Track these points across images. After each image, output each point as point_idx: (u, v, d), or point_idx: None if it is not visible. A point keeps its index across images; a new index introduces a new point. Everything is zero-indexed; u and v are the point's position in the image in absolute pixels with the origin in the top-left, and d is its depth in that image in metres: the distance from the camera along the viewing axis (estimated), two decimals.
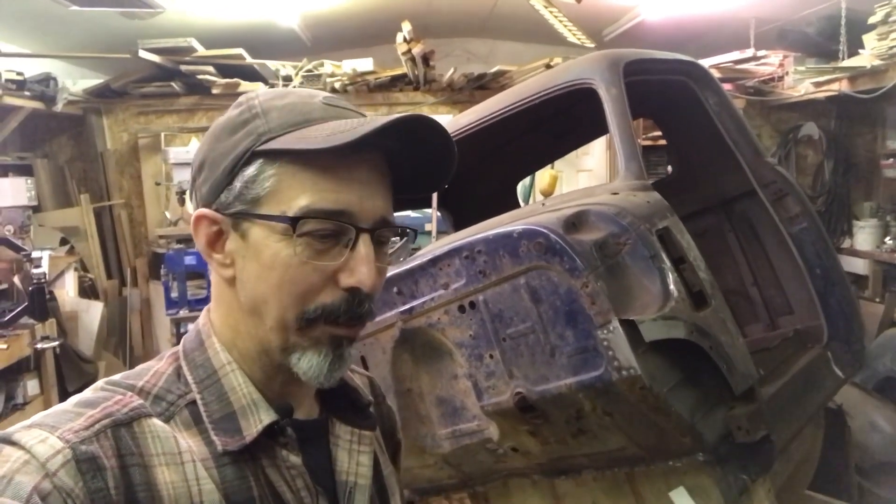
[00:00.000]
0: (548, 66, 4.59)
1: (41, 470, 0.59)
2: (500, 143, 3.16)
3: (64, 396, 3.89)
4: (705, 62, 5.11)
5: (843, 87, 4.47)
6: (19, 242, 3.74)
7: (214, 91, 5.10)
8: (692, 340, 1.76)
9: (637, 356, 1.72)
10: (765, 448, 1.89)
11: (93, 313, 4.35)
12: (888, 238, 4.91)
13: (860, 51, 4.18)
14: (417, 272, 2.13)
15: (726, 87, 5.24)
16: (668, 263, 1.83)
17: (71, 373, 3.94)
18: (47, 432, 0.62)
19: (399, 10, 4.89)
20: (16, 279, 3.90)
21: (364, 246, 0.70)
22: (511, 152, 3.25)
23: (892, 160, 5.08)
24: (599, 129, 3.43)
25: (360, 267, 0.70)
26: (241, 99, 0.77)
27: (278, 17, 5.07)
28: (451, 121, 2.76)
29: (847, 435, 2.97)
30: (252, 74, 5.27)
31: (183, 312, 4.11)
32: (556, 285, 1.82)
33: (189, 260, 4.06)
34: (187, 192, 4.56)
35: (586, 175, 5.76)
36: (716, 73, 5.09)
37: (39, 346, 3.61)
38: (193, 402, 0.73)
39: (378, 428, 0.89)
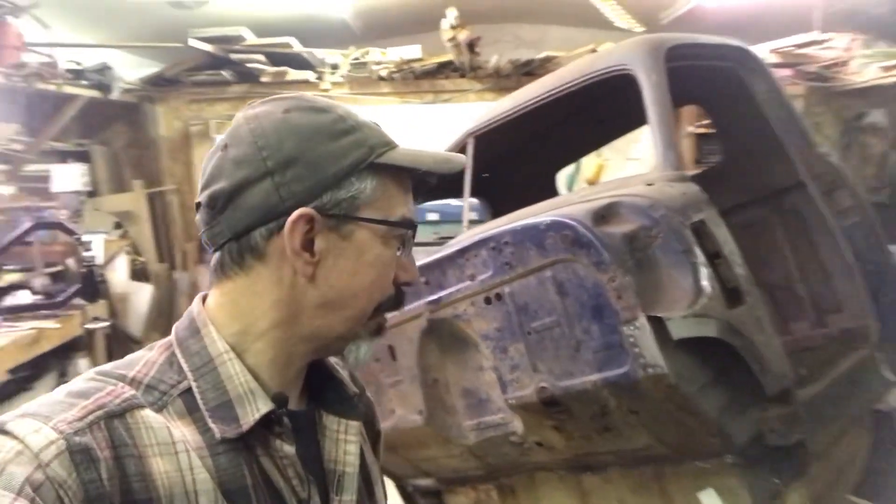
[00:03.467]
0: (594, 52, 4.47)
1: (34, 461, 0.60)
2: (539, 131, 3.10)
3: None
4: (764, 46, 4.92)
5: None
6: (73, 226, 3.88)
7: (264, 79, 5.17)
8: (723, 339, 1.70)
9: (664, 354, 1.66)
10: (799, 452, 1.81)
11: (142, 295, 4.49)
12: None
13: None
14: (445, 262, 2.12)
15: (786, 72, 5.04)
16: (701, 258, 1.76)
17: (121, 353, 4.03)
18: (41, 422, 0.63)
19: None
20: (70, 262, 4.05)
21: (412, 247, 0.84)
22: (551, 140, 3.19)
23: None
24: (642, 116, 3.33)
25: (410, 265, 0.83)
26: (319, 104, 0.80)
27: (329, 7, 5.10)
28: (489, 108, 2.72)
29: None
30: (301, 63, 5.32)
31: None
32: (583, 279, 1.78)
33: None
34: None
35: (636, 164, 5.61)
36: (775, 59, 4.91)
37: (90, 326, 3.74)
38: (187, 391, 0.73)
39: (362, 418, 0.91)
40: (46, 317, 3.54)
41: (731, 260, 1.82)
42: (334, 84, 5.29)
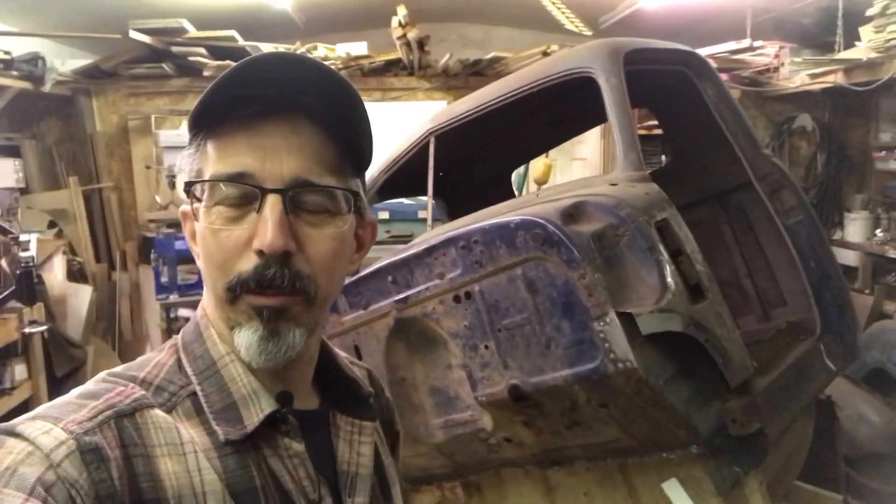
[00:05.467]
0: (545, 54, 4.55)
1: (45, 461, 0.59)
2: (496, 132, 3.13)
3: (52, 381, 3.85)
4: (701, 52, 5.10)
5: (838, 79, 4.46)
6: (7, 225, 3.68)
7: (206, 73, 5.02)
8: (688, 333, 1.76)
9: (633, 349, 1.71)
10: (758, 441, 1.89)
11: (81, 297, 4.30)
12: (879, 230, 4.93)
13: (856, 43, 4.17)
14: (412, 261, 2.12)
15: (721, 77, 5.25)
16: (665, 256, 1.82)
17: (59, 357, 3.90)
18: (51, 424, 0.62)
19: None
20: (3, 262, 3.84)
21: (269, 207, 0.69)
22: (507, 140, 3.23)
23: (884, 153, 5.09)
24: (595, 117, 3.41)
25: (260, 228, 0.69)
26: None
27: None
28: (447, 108, 2.73)
29: (836, 426, 2.99)
30: (243, 57, 5.19)
31: (173, 297, 4.08)
32: (553, 276, 1.81)
33: (180, 245, 4.01)
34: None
35: (580, 164, 5.74)
36: (711, 63, 5.10)
37: (27, 330, 3.56)
38: (195, 393, 0.73)
39: (377, 419, 0.89)
40: None
41: (693, 257, 1.90)
42: None
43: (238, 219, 0.70)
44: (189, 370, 0.74)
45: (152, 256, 4.11)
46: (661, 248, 1.83)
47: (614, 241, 1.83)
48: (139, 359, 0.77)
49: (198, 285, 4.12)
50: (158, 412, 0.69)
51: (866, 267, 4.84)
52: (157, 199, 4.83)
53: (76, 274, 4.70)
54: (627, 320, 1.72)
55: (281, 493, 0.72)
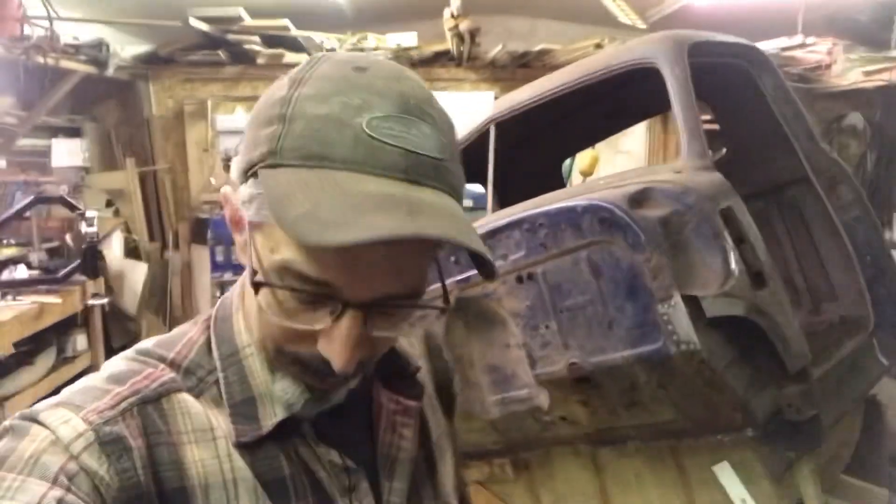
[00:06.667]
0: (597, 46, 4.57)
1: (66, 451, 0.58)
2: (550, 121, 3.18)
3: (109, 353, 4.02)
4: None
5: (893, 76, 4.42)
6: (73, 202, 3.84)
7: (259, 61, 5.15)
8: (750, 318, 1.80)
9: (697, 331, 1.76)
10: (813, 427, 1.93)
11: (137, 274, 4.46)
12: None
13: None
14: None
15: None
16: (729, 242, 1.86)
17: (116, 330, 4.07)
18: (72, 413, 0.61)
19: None
20: (67, 237, 4.01)
21: (348, 322, 0.60)
22: (560, 130, 3.28)
23: None
24: (649, 110, 3.45)
25: (334, 345, 0.61)
26: (288, 76, 0.63)
27: None
28: (508, 96, 2.79)
29: (883, 425, 2.99)
30: (297, 46, 5.31)
31: (227, 276, 4.23)
32: (619, 260, 1.87)
33: None
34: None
35: (625, 157, 5.74)
36: (771, 57, 5.07)
37: (90, 302, 3.72)
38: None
39: (433, 384, 0.85)
40: (47, 292, 3.51)
41: (756, 245, 1.93)
42: None
43: (310, 309, 0.61)
44: (215, 353, 0.70)
45: (209, 236, 4.25)
46: (726, 234, 1.87)
47: (680, 227, 1.88)
48: (173, 331, 0.74)
49: None
50: (187, 397, 0.67)
51: None
52: (212, 180, 4.97)
53: (132, 252, 4.87)
54: (692, 303, 1.77)
55: (312, 480, 0.69)
